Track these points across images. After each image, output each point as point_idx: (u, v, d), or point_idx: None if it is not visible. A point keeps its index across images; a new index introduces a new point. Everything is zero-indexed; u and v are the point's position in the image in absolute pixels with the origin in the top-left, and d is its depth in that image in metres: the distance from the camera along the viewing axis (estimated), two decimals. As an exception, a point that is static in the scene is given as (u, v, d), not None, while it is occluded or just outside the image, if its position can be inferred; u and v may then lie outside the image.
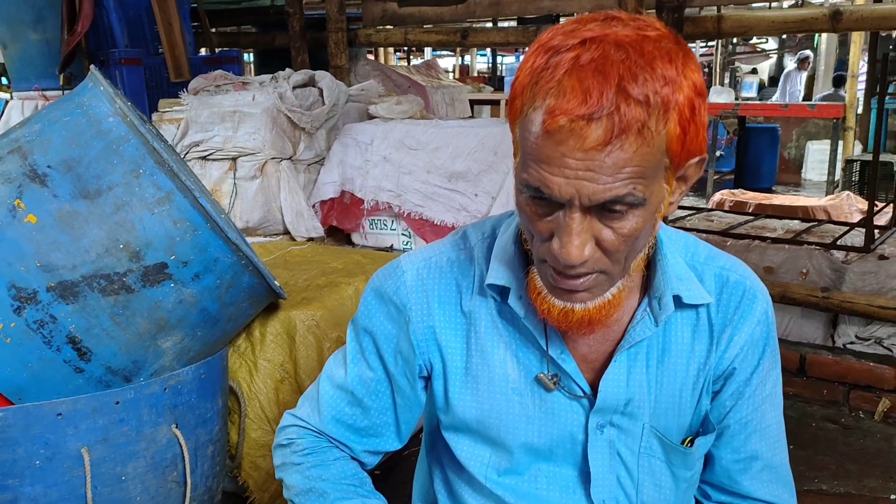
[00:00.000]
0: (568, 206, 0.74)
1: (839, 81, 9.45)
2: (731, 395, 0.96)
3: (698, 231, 3.48)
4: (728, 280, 0.94)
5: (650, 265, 0.91)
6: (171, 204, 1.58)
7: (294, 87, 3.09)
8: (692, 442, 0.96)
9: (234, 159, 3.00)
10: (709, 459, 1.01)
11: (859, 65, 8.18)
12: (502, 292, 0.93)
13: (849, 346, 2.97)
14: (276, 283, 1.88)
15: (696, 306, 0.93)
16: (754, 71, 14.27)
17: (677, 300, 0.90)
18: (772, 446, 0.99)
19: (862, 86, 7.82)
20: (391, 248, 3.09)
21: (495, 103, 7.94)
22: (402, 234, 3.08)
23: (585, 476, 0.95)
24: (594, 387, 0.93)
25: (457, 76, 14.27)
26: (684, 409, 0.95)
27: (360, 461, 1.06)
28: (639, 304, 0.91)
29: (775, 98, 10.49)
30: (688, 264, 0.93)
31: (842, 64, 10.23)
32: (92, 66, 1.69)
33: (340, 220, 3.14)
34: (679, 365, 0.93)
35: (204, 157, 3.04)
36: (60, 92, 3.71)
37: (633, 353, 0.92)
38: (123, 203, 1.55)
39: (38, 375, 1.52)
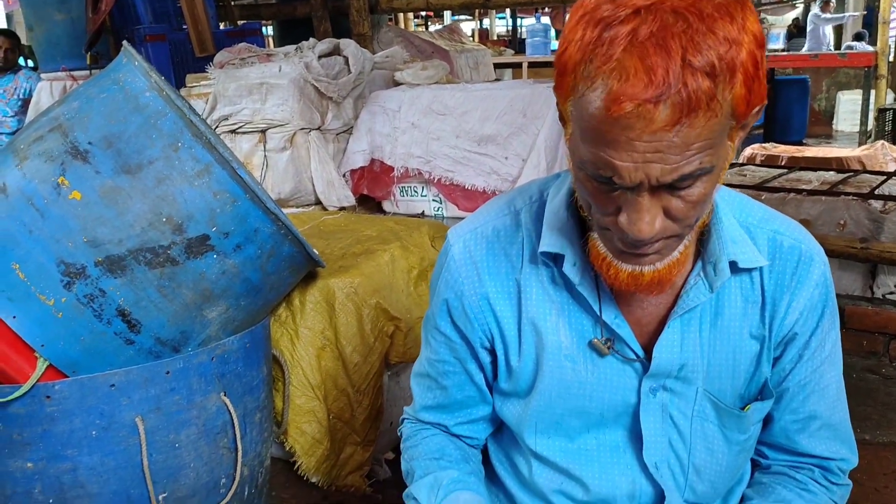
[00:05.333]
0: (636, 187, 0.73)
1: (859, 37, 9.21)
2: (790, 360, 0.95)
3: (731, 186, 3.43)
4: (782, 245, 0.92)
5: (704, 228, 0.89)
6: (210, 176, 1.59)
7: (319, 57, 3.08)
8: (748, 406, 0.95)
9: (263, 132, 3.01)
10: (766, 421, 1.00)
11: (890, 11, 7.94)
12: (555, 259, 0.93)
13: (888, 296, 2.94)
14: (314, 251, 1.89)
15: (749, 270, 0.91)
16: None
17: (733, 265, 0.88)
18: (831, 405, 0.98)
19: (894, 32, 7.61)
20: (422, 215, 3.10)
21: (517, 66, 7.84)
22: (433, 201, 3.08)
23: (637, 439, 0.96)
24: (647, 351, 0.92)
25: (476, 40, 14.12)
26: (738, 373, 0.94)
27: (462, 434, 1.08)
28: (692, 269, 0.90)
29: (805, 48, 10.24)
30: (741, 225, 0.91)
31: (871, 13, 9.94)
32: (125, 42, 1.70)
33: (371, 188, 3.15)
34: (732, 328, 0.92)
35: (233, 131, 3.05)
36: (88, 72, 3.74)
37: (687, 318, 0.91)
38: (164, 177, 1.56)
39: (91, 348, 1.55)
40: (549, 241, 0.91)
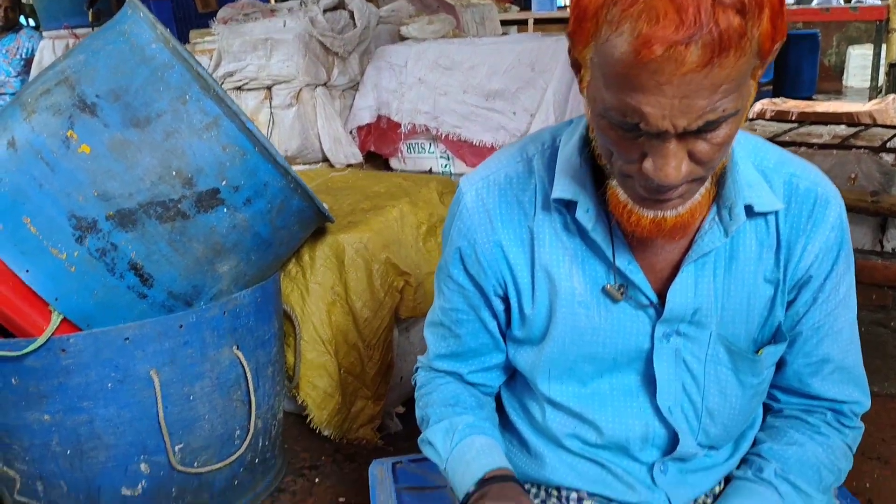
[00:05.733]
0: (663, 132, 0.71)
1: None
2: (804, 303, 0.94)
3: (741, 141, 3.40)
4: (798, 188, 0.91)
5: (720, 172, 0.87)
6: (218, 129, 1.58)
7: (324, 11, 3.04)
8: (761, 350, 0.95)
9: (268, 88, 2.99)
10: (779, 364, 1.00)
11: (904, -38, 7.77)
12: (568, 205, 0.92)
13: (898, 250, 2.93)
14: (324, 206, 1.89)
15: (764, 214, 0.91)
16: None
17: (748, 209, 0.87)
18: (844, 349, 0.97)
19: (908, -16, 7.45)
20: (430, 172, 3.08)
21: (523, 23, 7.72)
22: (441, 157, 3.06)
23: (650, 383, 0.96)
24: (661, 296, 0.92)
25: (481, -3, 13.88)
26: (752, 317, 0.93)
27: (476, 382, 1.08)
28: (707, 213, 0.89)
29: (816, 2, 10.06)
30: (757, 169, 0.90)
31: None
32: (129, -6, 1.68)
33: (378, 145, 3.13)
34: (747, 273, 0.92)
35: (239, 88, 3.02)
36: (90, 29, 3.70)
37: (701, 263, 0.91)
38: (172, 130, 1.55)
39: (104, 302, 1.56)
40: (562, 188, 0.90)
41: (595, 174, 0.90)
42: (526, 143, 0.99)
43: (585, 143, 0.90)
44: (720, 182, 0.87)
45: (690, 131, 0.71)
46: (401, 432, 2.33)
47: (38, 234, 1.48)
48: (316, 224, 1.98)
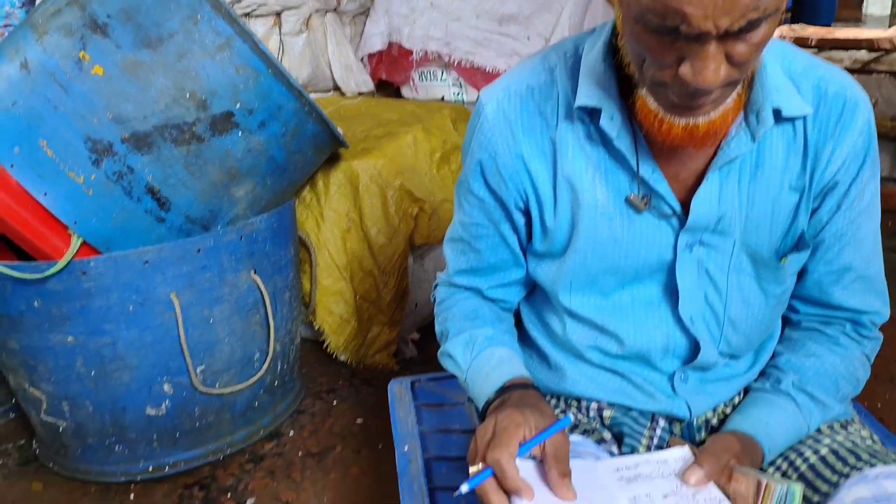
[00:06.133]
0: (702, 35, 0.69)
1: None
2: (828, 210, 0.93)
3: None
4: (827, 93, 0.89)
5: (748, 77, 0.85)
6: (231, 50, 1.56)
7: (333, -66, 2.96)
8: (784, 258, 0.94)
9: (277, 14, 2.93)
10: (800, 273, 0.99)
11: None
12: (591, 114, 0.90)
13: (916, 177, 2.90)
14: (338, 130, 1.88)
15: (792, 120, 0.89)
16: None
17: (776, 114, 0.86)
18: (866, 258, 0.97)
19: None
20: (442, 100, 3.04)
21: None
22: (454, 86, 3.01)
23: (672, 294, 0.96)
24: (685, 206, 0.91)
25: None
26: (777, 224, 0.93)
27: (496, 298, 1.08)
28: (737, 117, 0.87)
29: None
30: (785, 73, 0.88)
31: None
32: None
33: (389, 73, 3.08)
34: (773, 180, 0.91)
35: (247, 14, 2.96)
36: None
37: (727, 170, 0.89)
38: (185, 51, 1.53)
39: (123, 226, 1.57)
40: (586, 95, 0.88)
41: (619, 83, 0.88)
42: (548, 52, 0.96)
43: (610, 51, 0.88)
44: (748, 87, 0.86)
45: (731, 32, 0.69)
46: (416, 358, 2.36)
47: (55, 157, 1.48)
48: (330, 149, 1.97)
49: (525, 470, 0.79)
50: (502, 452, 0.77)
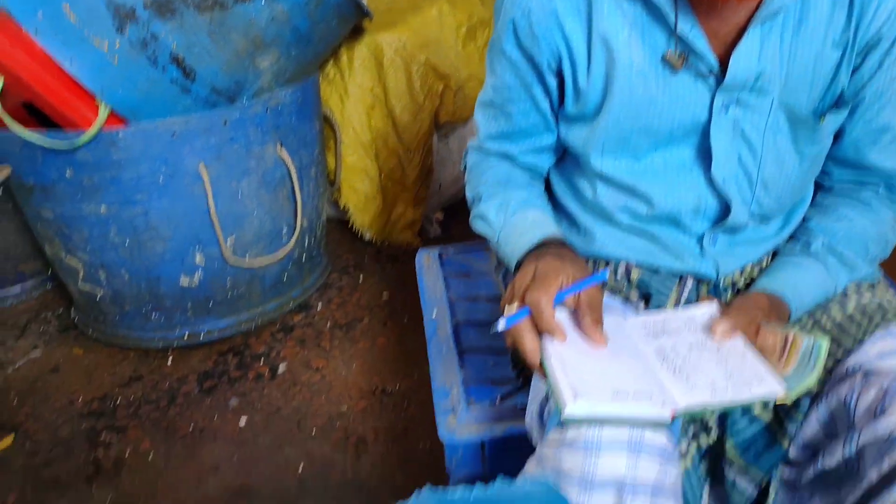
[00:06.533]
0: None
1: None
2: (870, 68, 0.90)
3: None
4: None
5: None
6: (252, -90, 1.50)
7: None
8: (823, 117, 0.93)
9: None
10: (837, 134, 0.98)
11: None
12: None
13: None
14: (362, -1, 1.83)
15: None
16: None
17: None
18: None
19: None
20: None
21: None
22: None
23: (705, 156, 0.95)
24: (723, 65, 0.89)
25: None
26: (818, 82, 0.90)
27: (527, 163, 1.08)
28: None
29: None
30: None
31: None
32: None
33: (412, -55, 2.96)
34: (816, 35, 0.88)
35: None
36: None
37: (769, 25, 0.86)
38: (205, -89, 1.48)
39: (149, 96, 1.56)
40: None
41: None
42: None
43: None
44: None
45: None
46: (440, 237, 2.39)
47: (78, 23, 1.46)
48: (354, 20, 1.93)
49: (559, 316, 0.81)
50: (542, 294, 0.79)
